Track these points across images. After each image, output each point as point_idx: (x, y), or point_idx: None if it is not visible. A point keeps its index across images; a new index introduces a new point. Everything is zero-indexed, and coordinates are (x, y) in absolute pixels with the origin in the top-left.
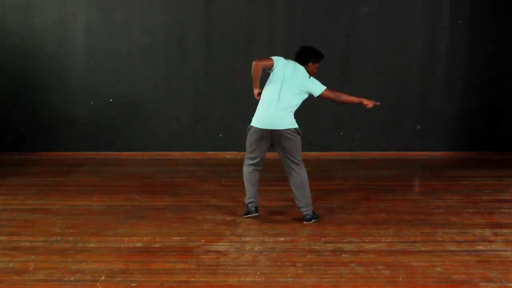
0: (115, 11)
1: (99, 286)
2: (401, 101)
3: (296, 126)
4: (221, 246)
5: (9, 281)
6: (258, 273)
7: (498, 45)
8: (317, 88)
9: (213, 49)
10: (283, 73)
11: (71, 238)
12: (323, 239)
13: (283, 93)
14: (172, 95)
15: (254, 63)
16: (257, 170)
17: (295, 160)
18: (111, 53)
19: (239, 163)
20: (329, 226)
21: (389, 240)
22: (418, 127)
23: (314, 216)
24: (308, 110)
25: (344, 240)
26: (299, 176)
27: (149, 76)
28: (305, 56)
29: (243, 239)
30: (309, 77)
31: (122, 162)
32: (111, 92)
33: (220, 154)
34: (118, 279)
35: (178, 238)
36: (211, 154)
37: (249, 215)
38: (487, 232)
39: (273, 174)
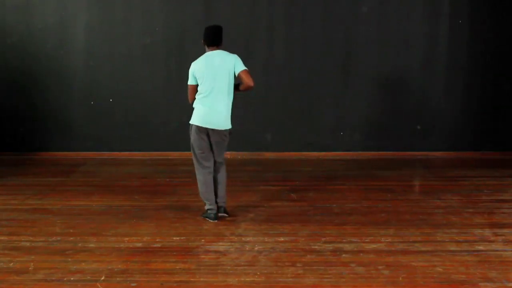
0: (115, 11)
1: (99, 286)
2: (401, 101)
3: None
4: (221, 246)
5: (9, 281)
6: (258, 273)
7: (498, 45)
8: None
9: None
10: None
11: (71, 238)
12: (323, 239)
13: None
14: (172, 95)
15: (190, 103)
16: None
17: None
18: (111, 53)
19: (239, 163)
20: (329, 226)
21: (389, 240)
22: (418, 127)
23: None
24: (307, 110)
25: (344, 240)
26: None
27: (149, 76)
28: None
29: (243, 239)
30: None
31: (122, 162)
32: (111, 92)
33: None
34: (118, 279)
35: (178, 238)
36: None
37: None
38: (487, 232)
39: (273, 175)
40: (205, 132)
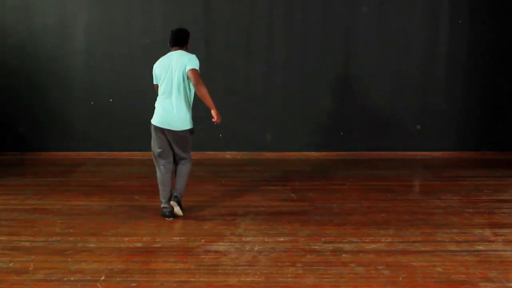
0: (115, 11)
1: (99, 286)
2: (401, 101)
3: None
4: (221, 246)
5: (9, 281)
6: (258, 273)
7: (498, 45)
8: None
9: (213, 48)
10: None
11: (71, 238)
12: (323, 239)
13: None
14: None
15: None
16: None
17: None
18: (111, 53)
19: (239, 163)
20: (329, 226)
21: (389, 240)
22: (418, 127)
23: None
24: (307, 110)
25: (344, 240)
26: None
27: (149, 76)
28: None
29: (243, 239)
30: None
31: (122, 162)
32: (111, 92)
33: (219, 154)
34: (118, 279)
35: (178, 238)
36: (210, 154)
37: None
38: (487, 232)
39: (273, 175)
40: (161, 131)
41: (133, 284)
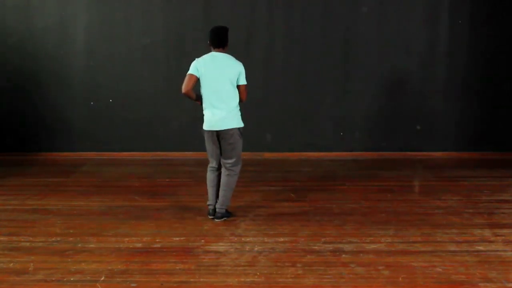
0: (115, 11)
1: (99, 286)
2: (401, 101)
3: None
4: (221, 247)
5: (9, 281)
6: (258, 274)
7: (498, 46)
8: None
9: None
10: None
11: (71, 239)
12: (323, 239)
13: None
14: (172, 95)
15: (183, 92)
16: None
17: None
18: (111, 54)
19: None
20: (329, 227)
21: (389, 240)
22: (418, 127)
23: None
24: (307, 110)
25: (344, 241)
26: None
27: (149, 76)
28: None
29: (243, 239)
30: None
31: (122, 162)
32: (111, 93)
33: None
34: (118, 279)
35: (178, 239)
36: None
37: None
38: (487, 233)
39: (273, 175)
40: (213, 134)
41: (133, 285)
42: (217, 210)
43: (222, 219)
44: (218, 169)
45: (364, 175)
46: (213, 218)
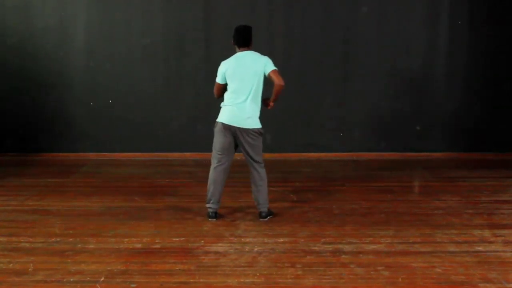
0: (115, 12)
1: (99, 287)
2: (401, 101)
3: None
4: (220, 247)
5: (8, 282)
6: (258, 274)
7: (498, 46)
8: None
9: (213, 49)
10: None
11: (71, 239)
12: (322, 240)
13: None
14: (172, 95)
15: (216, 97)
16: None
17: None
18: (111, 54)
19: (239, 164)
20: (329, 227)
21: (389, 241)
22: (418, 127)
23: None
24: (307, 110)
25: (344, 241)
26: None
27: (148, 77)
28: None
29: (242, 240)
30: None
31: (121, 163)
32: (110, 93)
33: None
34: (117, 280)
35: (177, 239)
36: (210, 154)
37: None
38: (487, 233)
39: (273, 175)
40: (229, 129)
41: (132, 285)
42: (261, 209)
43: (267, 218)
44: (226, 167)
45: (364, 175)
46: (259, 217)
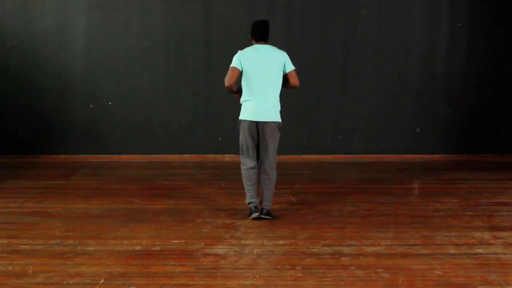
0: (114, 14)
1: None
2: (400, 104)
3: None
4: (220, 249)
5: (8, 284)
6: (258, 276)
7: (497, 48)
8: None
9: (213, 51)
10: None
11: (70, 241)
12: (322, 242)
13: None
14: (171, 97)
15: (226, 86)
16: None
17: None
18: (110, 56)
19: (238, 166)
20: (329, 229)
21: (389, 243)
22: (418, 130)
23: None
24: (306, 112)
25: (344, 243)
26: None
27: (148, 79)
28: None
29: (242, 242)
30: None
31: (121, 165)
32: (110, 95)
33: (219, 157)
34: (117, 282)
35: (177, 241)
36: (210, 157)
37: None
38: (487, 235)
39: None
40: (254, 125)
41: (132, 287)
42: (263, 206)
43: (267, 217)
44: (256, 167)
45: (363, 177)
46: (256, 218)
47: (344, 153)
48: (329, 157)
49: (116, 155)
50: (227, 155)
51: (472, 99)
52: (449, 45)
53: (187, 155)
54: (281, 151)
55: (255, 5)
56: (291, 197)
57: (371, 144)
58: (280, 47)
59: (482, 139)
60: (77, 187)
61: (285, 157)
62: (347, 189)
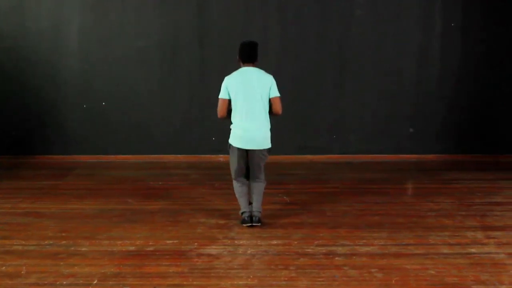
0: (109, 14)
1: None
2: (395, 104)
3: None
4: (214, 250)
5: (1, 285)
6: (251, 277)
7: (491, 48)
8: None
9: (208, 52)
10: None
11: (64, 242)
12: (316, 242)
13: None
14: (166, 98)
15: (218, 117)
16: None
17: None
18: (105, 57)
19: None
20: (322, 229)
21: (382, 243)
22: (411, 130)
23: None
24: (301, 113)
25: (337, 243)
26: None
27: (143, 80)
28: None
29: (236, 242)
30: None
31: (115, 165)
32: (104, 95)
33: (213, 158)
34: (111, 282)
35: (171, 242)
36: (204, 157)
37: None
38: (480, 235)
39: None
40: (244, 151)
41: None
42: (255, 214)
43: (259, 224)
44: (246, 182)
45: (357, 178)
46: (250, 225)
47: (339, 153)
48: (323, 157)
49: (110, 155)
50: (221, 155)
51: (466, 100)
52: (443, 45)
53: (181, 155)
54: (276, 151)
55: (250, 6)
56: (285, 197)
57: (365, 144)
58: (276, 48)
59: (476, 139)
60: (70, 188)
61: (279, 157)
62: (342, 189)
